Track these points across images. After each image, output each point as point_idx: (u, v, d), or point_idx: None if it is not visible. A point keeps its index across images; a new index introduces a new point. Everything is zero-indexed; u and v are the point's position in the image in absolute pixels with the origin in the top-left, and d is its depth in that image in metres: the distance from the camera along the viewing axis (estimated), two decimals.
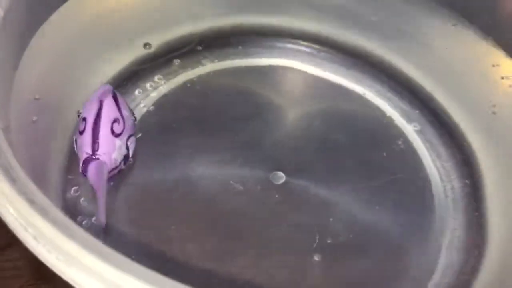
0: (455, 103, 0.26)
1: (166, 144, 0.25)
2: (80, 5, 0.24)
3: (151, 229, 0.23)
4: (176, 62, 0.28)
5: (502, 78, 0.24)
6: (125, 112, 0.23)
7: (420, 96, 0.27)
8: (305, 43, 0.29)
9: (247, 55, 0.28)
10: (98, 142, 0.22)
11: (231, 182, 0.24)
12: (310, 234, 0.23)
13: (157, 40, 0.27)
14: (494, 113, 0.25)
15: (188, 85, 0.27)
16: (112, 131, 0.23)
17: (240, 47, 0.28)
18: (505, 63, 0.24)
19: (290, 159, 0.25)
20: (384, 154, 0.26)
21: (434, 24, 0.26)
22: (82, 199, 0.23)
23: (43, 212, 0.15)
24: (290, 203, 0.24)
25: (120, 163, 0.23)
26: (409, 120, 0.27)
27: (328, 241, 0.23)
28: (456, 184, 0.25)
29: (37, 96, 0.23)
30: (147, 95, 0.27)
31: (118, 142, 0.23)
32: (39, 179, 0.22)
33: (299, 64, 0.28)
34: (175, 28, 0.28)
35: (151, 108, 0.26)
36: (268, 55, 0.28)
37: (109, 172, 0.23)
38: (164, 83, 0.27)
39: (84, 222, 0.23)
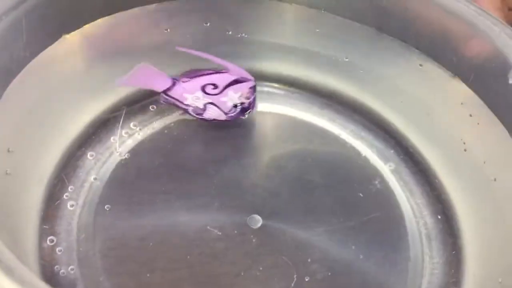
0: (427, 141, 0.27)
1: (142, 191, 0.25)
2: (52, 57, 0.25)
3: (128, 278, 0.23)
4: (152, 108, 0.28)
5: (471, 115, 0.25)
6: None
7: (393, 135, 0.28)
8: (279, 86, 0.29)
9: None
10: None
11: (208, 227, 0.24)
12: (287, 274, 0.23)
13: (133, 88, 0.28)
14: (465, 150, 0.25)
15: (165, 131, 0.27)
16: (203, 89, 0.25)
17: None
18: (472, 101, 0.25)
19: (266, 202, 0.25)
20: (360, 194, 0.26)
21: (401, 64, 0.27)
22: (58, 248, 0.23)
23: (9, 271, 0.15)
24: (267, 246, 0.24)
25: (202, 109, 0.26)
26: (385, 159, 0.27)
27: (306, 279, 0.23)
28: (429, 220, 0.25)
29: (10, 149, 0.23)
30: (123, 142, 0.27)
31: (198, 93, 0.25)
32: (14, 230, 0.22)
33: (273, 107, 0.29)
34: None
35: (126, 155, 0.26)
36: None
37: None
38: (140, 129, 0.27)
39: (61, 272, 0.22)
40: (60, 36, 0.25)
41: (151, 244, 0.23)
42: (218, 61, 0.25)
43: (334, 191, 0.26)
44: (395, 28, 0.27)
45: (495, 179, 0.24)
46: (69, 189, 0.25)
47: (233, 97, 0.25)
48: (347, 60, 0.28)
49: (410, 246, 0.24)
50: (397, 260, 0.24)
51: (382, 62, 0.28)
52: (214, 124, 0.28)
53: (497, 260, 0.22)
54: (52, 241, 0.23)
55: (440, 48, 0.26)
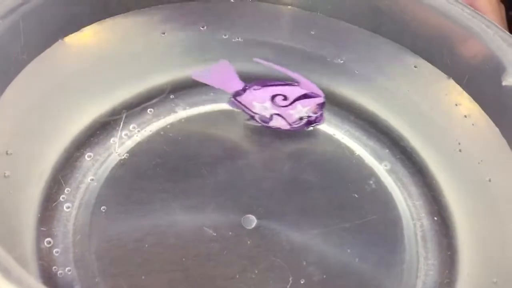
0: (422, 142, 0.27)
1: (139, 191, 0.25)
2: (50, 60, 0.25)
3: (123, 279, 0.23)
4: (150, 111, 0.28)
5: (465, 116, 0.25)
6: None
7: (389, 135, 0.28)
8: None
9: (218, 100, 0.29)
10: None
11: (204, 228, 0.24)
12: (283, 276, 0.23)
13: (131, 91, 0.28)
14: (460, 150, 0.25)
15: (161, 133, 0.28)
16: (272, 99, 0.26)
17: (211, 93, 0.29)
18: (466, 102, 0.25)
19: (261, 203, 0.25)
20: (355, 194, 0.26)
21: (396, 66, 0.27)
22: (55, 249, 0.23)
23: (6, 273, 0.15)
24: (262, 247, 0.24)
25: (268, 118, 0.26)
26: (380, 159, 0.27)
27: (302, 282, 0.23)
28: (425, 221, 0.25)
29: (9, 151, 0.23)
30: (122, 143, 0.27)
31: (267, 104, 0.26)
32: (12, 231, 0.22)
33: None
34: (147, 78, 0.28)
35: (125, 155, 0.27)
36: None
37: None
38: (138, 131, 0.27)
39: (59, 272, 0.23)
40: (57, 39, 0.25)
41: (146, 245, 0.24)
42: (291, 74, 0.25)
43: (330, 191, 0.26)
44: (390, 30, 0.27)
45: (489, 180, 0.24)
46: (65, 190, 0.25)
47: (301, 110, 0.26)
48: (342, 61, 0.28)
49: (406, 248, 0.24)
50: (392, 262, 0.24)
51: (377, 63, 0.28)
52: (210, 125, 0.28)
53: (491, 260, 0.22)
54: (49, 242, 0.23)
55: (434, 50, 0.26)
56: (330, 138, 0.28)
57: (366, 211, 0.25)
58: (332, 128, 0.28)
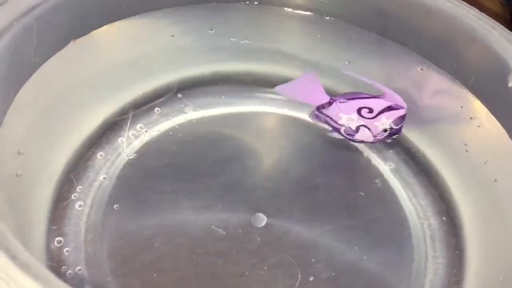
0: (429, 142, 0.27)
1: (148, 191, 0.26)
2: (62, 62, 0.25)
3: (135, 278, 0.23)
4: (157, 110, 0.29)
5: (471, 118, 0.25)
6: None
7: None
8: None
9: (227, 103, 0.29)
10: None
11: (213, 226, 0.24)
12: (292, 274, 0.23)
13: (140, 92, 0.28)
14: (466, 151, 0.25)
15: (171, 133, 0.28)
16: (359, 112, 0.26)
17: (223, 96, 0.29)
18: (473, 104, 0.25)
19: (270, 202, 0.25)
20: (362, 193, 0.26)
21: (402, 68, 0.27)
22: (65, 249, 0.23)
23: (25, 268, 0.16)
24: (271, 245, 0.24)
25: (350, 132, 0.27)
26: (385, 159, 0.28)
27: (311, 279, 0.23)
28: (433, 221, 0.25)
29: (21, 151, 0.23)
30: (130, 143, 0.27)
31: (353, 115, 0.26)
32: (23, 231, 0.23)
33: (276, 109, 0.29)
34: (156, 79, 0.29)
35: (133, 156, 0.27)
36: (247, 102, 0.29)
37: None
38: (146, 131, 0.28)
39: (68, 272, 0.23)
40: (69, 41, 0.25)
41: (157, 244, 0.24)
42: (378, 86, 0.25)
43: (337, 190, 0.26)
44: (396, 33, 0.27)
45: (495, 180, 0.24)
46: (77, 189, 0.25)
47: (386, 122, 0.26)
48: (348, 63, 0.29)
49: (414, 247, 0.25)
50: (400, 261, 0.24)
51: (383, 66, 0.28)
52: (219, 126, 0.28)
53: (498, 259, 0.22)
54: (59, 242, 0.24)
55: (440, 52, 0.26)
56: (338, 139, 0.28)
57: (373, 210, 0.26)
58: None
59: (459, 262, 0.24)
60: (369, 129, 0.26)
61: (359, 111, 0.26)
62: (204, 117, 0.29)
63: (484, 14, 0.25)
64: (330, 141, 0.28)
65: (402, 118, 0.26)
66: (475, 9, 0.25)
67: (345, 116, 0.26)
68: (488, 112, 0.24)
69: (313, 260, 0.24)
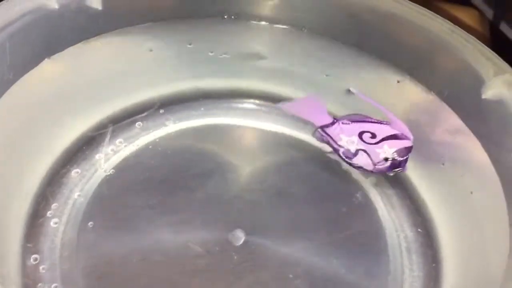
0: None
1: (124, 207, 0.25)
2: (36, 79, 0.25)
3: None
4: (138, 125, 0.28)
5: (447, 130, 0.25)
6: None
7: None
8: (262, 102, 0.30)
9: (207, 115, 0.29)
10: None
11: (190, 244, 0.24)
12: None
13: (118, 106, 0.28)
14: (443, 164, 0.25)
15: (150, 147, 0.28)
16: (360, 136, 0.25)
17: (202, 108, 0.29)
18: (448, 115, 0.25)
19: (248, 217, 0.25)
20: (342, 207, 0.26)
21: (380, 81, 0.27)
22: (42, 266, 0.23)
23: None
24: (249, 262, 0.24)
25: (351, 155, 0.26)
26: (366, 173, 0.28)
27: None
28: (409, 233, 0.25)
29: None
30: (108, 159, 0.27)
31: (354, 138, 0.25)
32: None
33: (256, 122, 0.29)
34: (136, 94, 0.29)
35: (111, 171, 0.27)
36: (227, 114, 0.29)
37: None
38: (125, 146, 0.28)
39: None
40: (43, 58, 0.25)
41: (133, 261, 0.24)
42: (385, 111, 0.25)
43: (317, 205, 0.26)
44: (373, 45, 0.27)
45: (471, 192, 0.24)
46: (52, 206, 0.25)
47: (388, 151, 0.25)
48: (327, 77, 0.29)
49: (391, 259, 0.24)
50: (377, 273, 0.24)
51: (362, 79, 0.28)
52: (200, 140, 0.28)
53: (474, 272, 0.22)
54: (35, 259, 0.24)
55: (416, 64, 0.26)
56: (317, 152, 0.28)
57: (353, 224, 0.25)
58: (319, 142, 0.28)
59: (436, 275, 0.24)
60: (368, 155, 0.25)
61: (360, 134, 0.25)
62: (183, 130, 0.28)
63: (458, 27, 0.25)
64: (310, 155, 0.28)
65: (407, 150, 0.25)
66: (449, 22, 0.25)
67: (346, 137, 0.25)
68: (464, 124, 0.24)
69: (291, 275, 0.24)
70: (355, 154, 0.26)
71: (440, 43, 0.25)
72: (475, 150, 0.24)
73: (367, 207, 0.26)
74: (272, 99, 0.30)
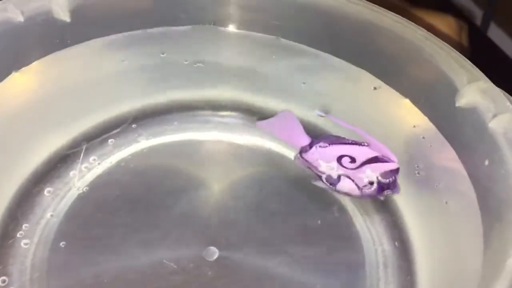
0: None
1: (97, 226, 0.25)
2: (4, 94, 0.24)
3: None
4: (111, 142, 0.28)
5: (423, 138, 0.25)
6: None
7: None
8: (237, 114, 0.29)
9: (181, 130, 0.28)
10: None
11: (164, 261, 0.24)
12: None
13: (91, 122, 0.28)
14: (418, 173, 0.25)
15: (122, 164, 0.27)
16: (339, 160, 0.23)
17: (175, 122, 0.29)
18: (424, 123, 0.25)
19: (223, 233, 0.25)
20: (318, 221, 0.26)
21: (356, 88, 0.27)
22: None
23: None
24: (224, 279, 0.24)
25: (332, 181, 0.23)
26: None
27: None
28: (387, 247, 0.25)
29: None
30: (82, 177, 0.27)
31: (333, 164, 0.23)
32: None
33: (230, 136, 0.29)
34: (108, 108, 0.28)
35: (85, 189, 0.26)
36: (201, 129, 0.29)
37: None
38: (99, 164, 0.27)
39: None
40: (10, 72, 0.25)
41: (105, 280, 0.23)
42: (362, 133, 0.22)
43: (292, 219, 0.26)
44: (348, 53, 0.27)
45: (446, 202, 0.24)
46: (23, 227, 0.24)
47: (371, 175, 0.23)
48: (304, 84, 0.29)
49: (367, 274, 0.24)
50: None
51: (339, 86, 0.28)
52: (173, 156, 0.28)
53: (449, 283, 0.22)
54: (4, 281, 0.23)
55: (391, 71, 0.26)
56: (293, 165, 0.27)
57: (329, 238, 0.25)
58: (294, 153, 0.28)
59: (411, 287, 0.23)
60: (352, 180, 0.23)
61: (339, 159, 0.23)
62: (156, 146, 0.28)
63: (432, 35, 0.24)
64: (285, 169, 0.28)
65: (392, 172, 0.22)
66: (423, 29, 0.25)
67: (324, 164, 0.23)
68: (438, 132, 0.24)
69: None
70: (338, 180, 0.23)
71: (415, 50, 0.24)
72: (449, 159, 0.23)
73: (344, 221, 0.26)
74: (248, 111, 0.29)
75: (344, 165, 0.23)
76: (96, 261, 0.24)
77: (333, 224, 0.26)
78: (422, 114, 0.25)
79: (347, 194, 0.23)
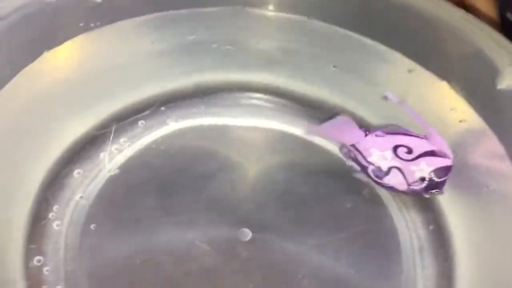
0: None
1: (131, 208, 0.25)
2: (35, 74, 0.24)
3: None
4: (141, 123, 0.28)
5: (461, 121, 0.24)
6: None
7: None
8: (266, 97, 0.29)
9: (209, 113, 0.28)
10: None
11: (197, 242, 0.24)
12: None
13: (120, 104, 0.27)
14: (455, 156, 0.25)
15: (153, 146, 0.27)
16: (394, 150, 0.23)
17: (202, 106, 0.28)
18: (462, 106, 0.24)
19: (255, 215, 0.25)
20: (349, 205, 0.25)
21: (390, 71, 0.27)
22: (45, 268, 0.23)
23: None
24: (257, 260, 0.23)
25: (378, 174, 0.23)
26: None
27: None
28: (421, 231, 0.25)
29: None
30: (112, 158, 0.27)
31: (387, 153, 0.23)
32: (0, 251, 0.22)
33: (261, 120, 0.28)
34: (137, 90, 0.28)
35: (116, 171, 0.26)
36: (230, 112, 0.28)
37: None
38: (129, 145, 0.27)
39: None
40: (42, 52, 0.25)
41: (138, 262, 0.23)
42: (425, 124, 0.22)
43: (324, 203, 0.25)
44: (383, 35, 0.26)
45: (487, 186, 0.23)
46: (54, 208, 0.25)
47: (425, 170, 0.22)
48: (334, 68, 0.28)
49: (403, 258, 0.24)
50: (389, 273, 0.23)
51: (370, 69, 0.27)
52: (203, 138, 0.27)
53: (488, 269, 0.22)
54: (39, 261, 0.23)
55: (427, 53, 0.25)
56: (323, 149, 0.27)
57: (361, 222, 0.25)
58: (324, 140, 0.27)
59: (449, 273, 0.23)
60: (403, 173, 0.23)
61: (395, 149, 0.23)
62: (185, 129, 0.28)
63: (472, 16, 0.24)
64: (317, 153, 0.27)
65: (445, 170, 0.22)
66: (462, 10, 0.24)
67: (378, 152, 0.23)
68: (477, 115, 0.23)
69: (300, 276, 0.23)
70: (387, 172, 0.23)
71: (452, 31, 0.24)
72: (489, 142, 0.23)
73: (376, 204, 0.25)
74: (277, 93, 0.29)
75: (400, 155, 0.22)
76: (128, 243, 0.24)
77: (364, 207, 0.25)
78: (460, 97, 0.24)
79: (391, 188, 0.23)
